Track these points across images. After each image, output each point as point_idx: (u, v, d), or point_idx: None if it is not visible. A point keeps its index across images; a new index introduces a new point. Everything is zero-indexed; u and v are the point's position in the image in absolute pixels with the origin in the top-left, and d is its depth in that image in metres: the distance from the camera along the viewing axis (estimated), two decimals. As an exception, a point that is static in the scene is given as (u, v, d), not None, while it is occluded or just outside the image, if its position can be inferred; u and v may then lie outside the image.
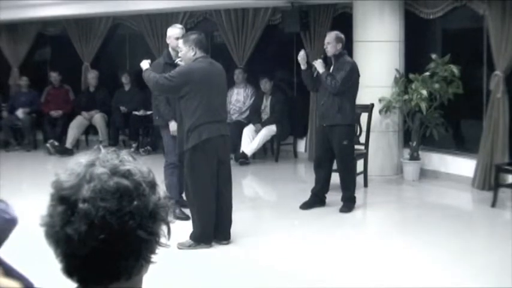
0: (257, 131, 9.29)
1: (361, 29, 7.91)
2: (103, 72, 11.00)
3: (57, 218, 1.13)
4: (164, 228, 1.20)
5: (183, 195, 6.60)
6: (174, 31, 6.30)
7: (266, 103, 9.56)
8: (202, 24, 10.37)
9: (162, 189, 1.23)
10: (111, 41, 11.47)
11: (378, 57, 7.84)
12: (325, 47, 6.50)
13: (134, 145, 10.05)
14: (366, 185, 7.60)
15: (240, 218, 6.32)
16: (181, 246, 5.26)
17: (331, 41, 6.45)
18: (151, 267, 1.21)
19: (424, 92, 7.53)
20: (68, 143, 10.23)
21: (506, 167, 6.79)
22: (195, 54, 5.31)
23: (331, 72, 6.42)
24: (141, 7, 9.69)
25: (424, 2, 8.05)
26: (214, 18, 10.05)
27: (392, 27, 8.01)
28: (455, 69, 7.45)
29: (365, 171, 7.56)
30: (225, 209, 5.38)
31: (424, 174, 8.07)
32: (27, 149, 10.62)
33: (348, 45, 6.90)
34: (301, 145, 9.73)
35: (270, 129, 9.33)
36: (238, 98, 9.85)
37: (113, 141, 10.26)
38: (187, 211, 6.34)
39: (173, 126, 6.22)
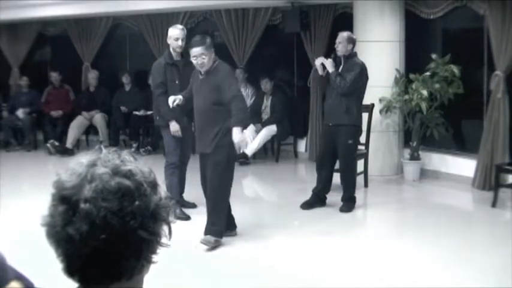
0: (257, 131, 9.29)
1: (361, 29, 7.91)
2: (103, 72, 11.01)
3: (59, 218, 1.13)
4: (165, 228, 1.20)
5: (183, 195, 6.65)
6: (174, 32, 6.30)
7: (266, 103, 9.57)
8: (202, 24, 10.38)
9: (163, 190, 1.23)
10: (111, 41, 11.48)
11: (378, 57, 7.84)
12: (336, 46, 6.52)
13: (135, 145, 10.06)
14: (366, 185, 7.60)
15: (240, 218, 6.32)
16: (206, 242, 5.36)
17: (342, 41, 6.47)
18: (152, 267, 1.21)
19: (425, 92, 7.54)
20: (69, 143, 10.23)
21: (507, 167, 6.79)
22: (215, 58, 5.44)
23: (340, 72, 6.43)
24: (141, 7, 9.70)
25: (424, 2, 8.05)
26: (214, 18, 10.05)
27: (392, 27, 8.01)
28: (455, 69, 7.46)
29: (365, 171, 7.56)
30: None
31: (424, 174, 8.08)
32: (27, 149, 10.63)
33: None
34: (302, 145, 9.73)
35: (271, 129, 9.33)
36: (239, 97, 9.85)
37: (113, 141, 10.26)
38: (188, 211, 6.35)
39: (174, 126, 6.22)
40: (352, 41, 6.51)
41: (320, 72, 6.61)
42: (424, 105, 7.55)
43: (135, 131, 10.33)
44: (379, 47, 7.87)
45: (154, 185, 1.20)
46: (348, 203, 6.61)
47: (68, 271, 1.17)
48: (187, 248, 5.21)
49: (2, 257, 1.36)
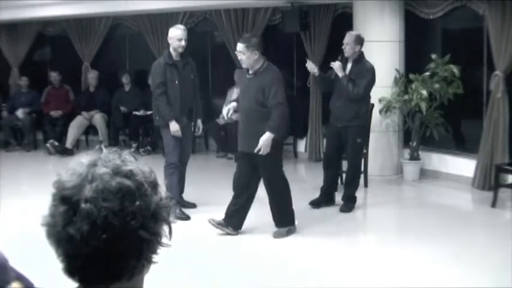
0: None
1: (361, 29, 7.89)
2: (103, 72, 11.01)
3: (59, 217, 1.13)
4: (166, 228, 1.20)
5: (183, 195, 6.65)
6: (177, 32, 6.29)
7: (266, 103, 9.55)
8: (202, 24, 10.38)
9: (163, 190, 1.23)
10: (111, 41, 11.47)
11: (378, 57, 7.83)
12: (343, 47, 6.48)
13: (134, 145, 10.05)
14: (366, 185, 7.60)
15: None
16: (279, 235, 5.64)
17: (350, 42, 6.43)
18: (152, 267, 1.21)
19: (424, 92, 7.54)
20: (68, 143, 10.23)
21: (506, 167, 6.79)
22: (259, 57, 5.54)
23: (349, 74, 6.42)
24: (141, 7, 9.69)
25: (424, 2, 8.05)
26: (214, 18, 10.04)
27: (392, 27, 8.01)
28: (455, 69, 7.46)
29: (365, 171, 7.56)
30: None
31: (424, 174, 8.08)
32: (27, 149, 10.62)
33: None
34: (301, 145, 9.73)
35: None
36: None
37: (113, 141, 10.26)
38: (188, 211, 6.35)
39: (174, 126, 6.22)
40: (360, 42, 6.49)
41: (316, 73, 6.57)
42: (423, 105, 7.55)
43: (135, 131, 10.32)
44: (379, 47, 7.87)
45: (155, 185, 1.20)
46: (348, 203, 6.62)
47: (68, 271, 1.17)
48: (187, 248, 5.20)
49: (4, 258, 1.36)
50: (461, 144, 8.40)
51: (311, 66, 6.54)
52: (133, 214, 1.13)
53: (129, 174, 1.16)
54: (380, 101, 7.90)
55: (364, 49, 6.68)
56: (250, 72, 5.55)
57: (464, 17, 8.06)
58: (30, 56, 11.90)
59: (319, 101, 9.35)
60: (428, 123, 7.86)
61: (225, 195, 7.54)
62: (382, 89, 7.91)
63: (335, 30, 8.91)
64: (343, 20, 8.73)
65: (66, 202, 1.13)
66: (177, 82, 6.27)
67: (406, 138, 8.29)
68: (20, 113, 10.69)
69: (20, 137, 10.89)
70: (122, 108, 10.36)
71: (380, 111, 7.92)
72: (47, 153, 10.16)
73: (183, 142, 6.43)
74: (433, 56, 7.68)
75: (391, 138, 8.19)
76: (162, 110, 6.27)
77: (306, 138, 9.59)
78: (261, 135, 5.40)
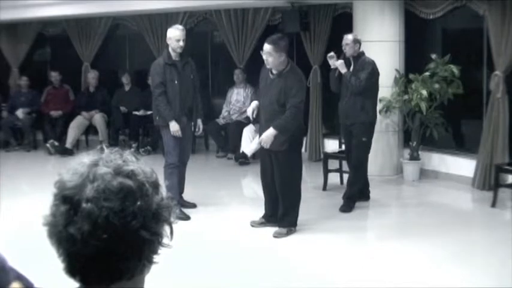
0: (257, 131, 9.28)
1: (361, 29, 7.90)
2: (103, 72, 11.00)
3: (60, 217, 1.13)
4: (167, 228, 1.20)
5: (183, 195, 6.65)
6: (176, 33, 6.28)
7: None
8: (202, 24, 10.39)
9: (163, 190, 1.23)
10: (111, 41, 11.47)
11: (378, 57, 7.80)
12: (343, 48, 6.58)
13: (134, 145, 10.05)
14: (366, 185, 7.59)
15: (240, 217, 6.33)
16: (279, 235, 5.70)
17: (349, 43, 6.55)
18: (152, 267, 1.21)
19: (424, 92, 7.54)
20: (68, 143, 10.23)
21: (506, 167, 6.79)
22: (284, 59, 5.60)
23: (352, 72, 6.50)
24: (141, 7, 9.69)
25: (424, 2, 8.05)
26: (214, 18, 10.05)
27: (392, 27, 8.01)
28: (455, 69, 7.46)
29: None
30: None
31: (424, 174, 8.08)
32: (27, 149, 10.62)
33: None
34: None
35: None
36: (238, 98, 9.86)
37: (113, 141, 10.26)
38: (188, 211, 6.35)
39: (173, 126, 6.22)
40: (358, 41, 6.60)
41: (332, 66, 6.64)
42: (423, 105, 7.55)
43: (135, 131, 10.32)
44: (378, 47, 7.87)
45: (156, 185, 1.20)
46: (349, 202, 6.63)
47: (69, 271, 1.17)
48: (187, 248, 5.20)
49: (3, 259, 1.36)
50: (461, 144, 8.40)
51: (335, 62, 6.60)
52: (134, 214, 1.13)
53: (131, 174, 1.16)
54: (380, 101, 7.88)
55: (364, 49, 6.70)
56: (274, 72, 5.62)
57: (464, 17, 8.06)
58: (30, 56, 11.90)
59: (319, 101, 9.36)
60: (428, 123, 7.86)
61: (225, 195, 7.58)
62: (382, 89, 7.86)
63: (335, 30, 8.92)
64: (343, 20, 8.74)
65: (68, 202, 1.13)
66: (176, 82, 6.27)
67: (406, 138, 8.29)
68: (20, 113, 10.69)
69: (20, 137, 10.89)
70: (122, 108, 10.36)
71: (380, 111, 7.90)
72: (47, 153, 10.16)
73: (183, 142, 6.42)
74: (433, 56, 7.68)
75: (391, 138, 8.19)
76: (161, 110, 6.27)
77: (306, 138, 9.58)
78: (280, 135, 5.53)
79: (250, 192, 8.32)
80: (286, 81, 5.53)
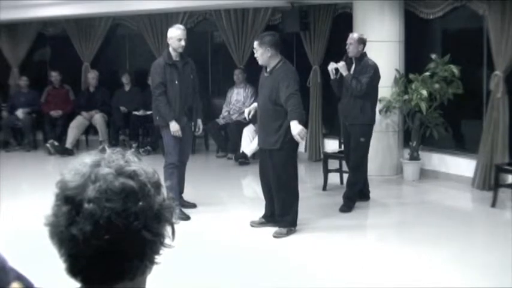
0: (257, 131, 9.28)
1: (361, 29, 7.90)
2: (103, 72, 11.00)
3: (62, 218, 1.13)
4: (169, 229, 1.20)
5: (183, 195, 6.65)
6: (177, 32, 6.28)
7: (266, 103, 9.55)
8: (202, 24, 10.39)
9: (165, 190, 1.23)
10: (111, 41, 11.47)
11: (377, 57, 7.81)
12: (347, 47, 6.58)
13: (134, 145, 10.05)
14: (366, 185, 7.59)
15: (240, 217, 6.33)
16: (279, 235, 5.71)
17: (353, 43, 6.54)
18: (154, 267, 1.21)
19: (424, 92, 7.54)
20: (68, 143, 10.23)
21: (506, 167, 6.79)
22: (273, 55, 5.62)
23: (353, 73, 6.51)
24: (141, 7, 9.69)
25: (424, 2, 8.05)
26: (214, 18, 10.05)
27: (392, 27, 8.02)
28: (455, 69, 7.46)
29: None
30: None
31: (424, 174, 8.08)
32: (27, 149, 10.62)
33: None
34: (301, 145, 9.71)
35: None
36: (238, 98, 9.87)
37: (113, 142, 10.25)
38: (188, 211, 6.35)
39: (174, 126, 6.22)
40: (362, 42, 6.58)
41: (332, 76, 6.69)
42: (423, 105, 7.55)
43: (135, 131, 10.33)
44: (378, 47, 7.86)
45: (158, 186, 1.20)
46: (348, 203, 6.63)
47: (71, 271, 1.17)
48: (187, 248, 5.20)
49: (3, 259, 1.36)
50: (461, 144, 8.40)
51: (332, 68, 6.62)
52: (136, 215, 1.13)
53: (133, 175, 1.16)
54: (380, 101, 7.89)
55: (365, 49, 6.70)
56: (268, 70, 5.68)
57: (464, 17, 8.06)
58: (30, 56, 11.90)
59: (319, 101, 9.36)
60: (428, 123, 7.86)
61: (225, 195, 7.58)
62: (382, 89, 7.87)
63: (335, 30, 8.92)
64: (343, 20, 8.74)
65: (69, 202, 1.13)
66: (176, 82, 6.27)
67: (406, 138, 8.29)
68: (20, 113, 10.69)
69: (20, 137, 10.89)
70: (122, 108, 10.36)
71: (380, 111, 7.91)
72: (47, 153, 10.16)
73: (183, 142, 6.42)
74: (433, 56, 7.68)
75: (391, 138, 8.19)
76: (162, 110, 6.27)
77: (306, 138, 9.58)
78: (275, 133, 5.56)
79: (250, 192, 8.32)
80: (277, 77, 5.57)
